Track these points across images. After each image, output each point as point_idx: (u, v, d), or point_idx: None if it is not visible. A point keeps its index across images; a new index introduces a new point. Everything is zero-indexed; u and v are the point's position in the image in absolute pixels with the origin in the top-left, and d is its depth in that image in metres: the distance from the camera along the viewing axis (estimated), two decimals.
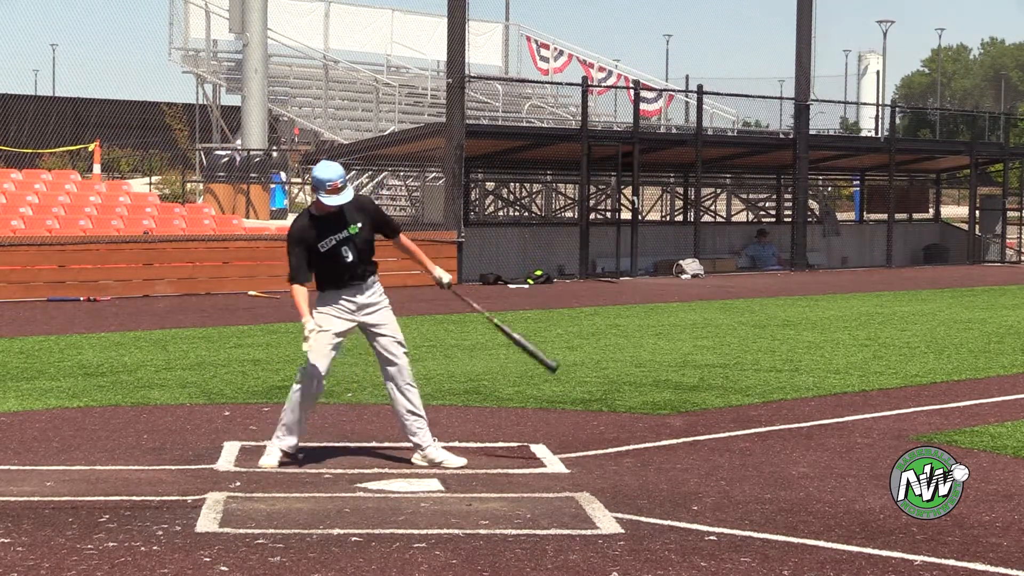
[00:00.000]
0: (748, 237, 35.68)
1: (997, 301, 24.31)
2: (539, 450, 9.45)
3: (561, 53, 42.45)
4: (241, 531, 7.15)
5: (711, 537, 7.17)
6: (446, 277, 9.24)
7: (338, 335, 8.90)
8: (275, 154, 31.53)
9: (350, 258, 8.79)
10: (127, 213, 26.18)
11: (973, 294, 26.29)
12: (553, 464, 8.99)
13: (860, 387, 12.85)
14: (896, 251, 36.98)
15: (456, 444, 9.53)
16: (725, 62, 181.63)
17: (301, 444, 9.39)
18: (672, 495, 8.12)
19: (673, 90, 43.32)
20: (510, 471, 8.76)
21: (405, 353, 8.98)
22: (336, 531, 7.17)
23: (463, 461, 8.92)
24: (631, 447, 9.65)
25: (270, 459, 8.82)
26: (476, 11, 32.43)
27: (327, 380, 8.99)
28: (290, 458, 8.91)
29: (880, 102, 59.83)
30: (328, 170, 8.71)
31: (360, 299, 8.89)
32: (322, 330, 8.78)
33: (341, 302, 8.88)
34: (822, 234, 37.04)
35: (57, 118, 42.25)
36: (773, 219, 39.03)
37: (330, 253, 8.78)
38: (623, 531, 7.25)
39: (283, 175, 31.08)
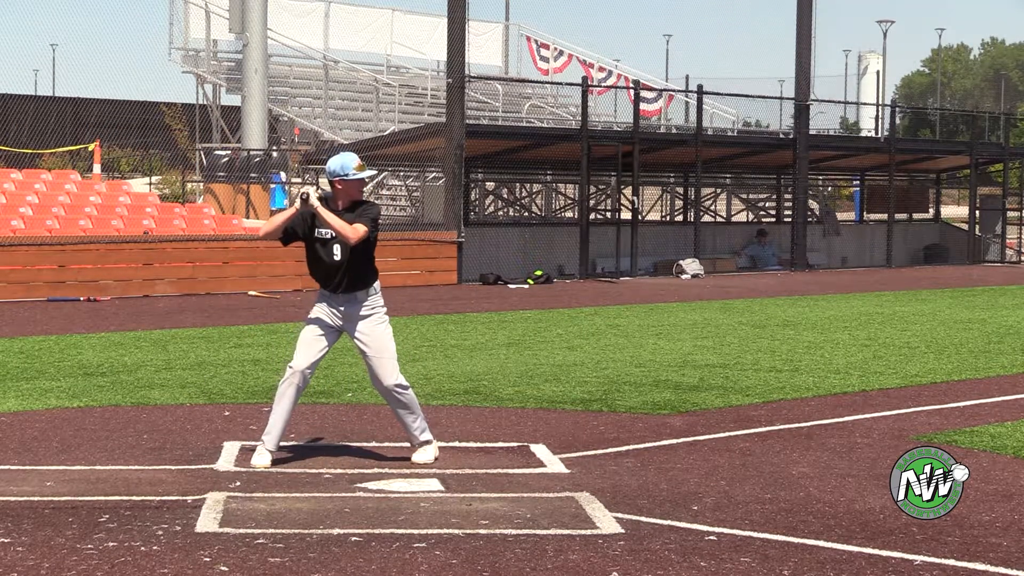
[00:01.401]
0: (748, 237, 35.67)
1: (997, 301, 24.31)
2: (539, 450, 9.45)
3: (561, 53, 42.43)
4: (241, 531, 7.15)
5: (711, 537, 7.17)
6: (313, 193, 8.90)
7: (326, 329, 8.88)
8: (275, 154, 31.53)
9: (338, 256, 8.78)
10: (127, 213, 26.18)
11: (973, 294, 26.28)
12: (553, 464, 8.99)
13: (860, 387, 12.85)
14: (896, 251, 36.98)
15: (456, 444, 9.54)
16: (725, 62, 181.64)
17: (301, 444, 9.39)
18: (672, 495, 8.12)
19: (673, 90, 43.32)
20: (510, 471, 8.76)
21: (392, 361, 8.84)
22: (336, 531, 7.17)
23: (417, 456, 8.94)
24: (631, 447, 9.65)
25: (262, 459, 8.78)
26: (476, 11, 32.47)
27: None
28: (275, 454, 8.87)
29: (880, 102, 59.83)
30: (349, 154, 8.94)
31: (348, 309, 8.86)
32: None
33: (330, 305, 8.88)
34: (822, 234, 37.03)
35: (57, 118, 42.33)
36: (773, 219, 39.02)
37: (324, 243, 8.79)
38: (623, 531, 7.25)
39: (283, 175, 31.08)
